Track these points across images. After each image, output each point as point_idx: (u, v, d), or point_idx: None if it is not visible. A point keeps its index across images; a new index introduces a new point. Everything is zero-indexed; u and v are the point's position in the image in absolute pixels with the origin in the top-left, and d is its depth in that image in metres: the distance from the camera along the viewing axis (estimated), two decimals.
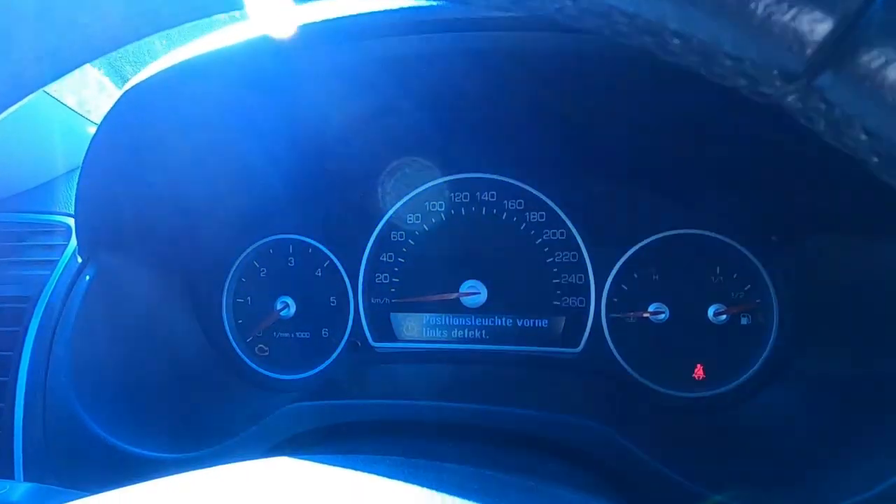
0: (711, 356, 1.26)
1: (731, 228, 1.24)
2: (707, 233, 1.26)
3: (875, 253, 1.03)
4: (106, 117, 1.02)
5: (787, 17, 0.37)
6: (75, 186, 1.10)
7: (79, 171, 1.09)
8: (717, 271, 1.26)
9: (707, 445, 1.16)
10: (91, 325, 1.19)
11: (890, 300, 1.00)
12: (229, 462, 1.06)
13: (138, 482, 1.08)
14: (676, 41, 0.40)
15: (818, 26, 0.33)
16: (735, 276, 1.25)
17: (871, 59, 0.32)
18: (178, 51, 0.99)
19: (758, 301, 1.24)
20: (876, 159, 0.34)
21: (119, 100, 1.00)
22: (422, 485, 0.60)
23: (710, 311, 1.25)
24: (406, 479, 0.62)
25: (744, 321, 1.25)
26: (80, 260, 1.21)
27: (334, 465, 0.69)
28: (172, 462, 1.09)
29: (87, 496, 0.64)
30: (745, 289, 1.25)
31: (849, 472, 0.92)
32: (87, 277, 1.20)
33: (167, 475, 1.08)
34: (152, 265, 1.33)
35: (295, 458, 0.74)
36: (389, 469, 0.67)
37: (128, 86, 1.00)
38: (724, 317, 1.24)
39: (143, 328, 1.30)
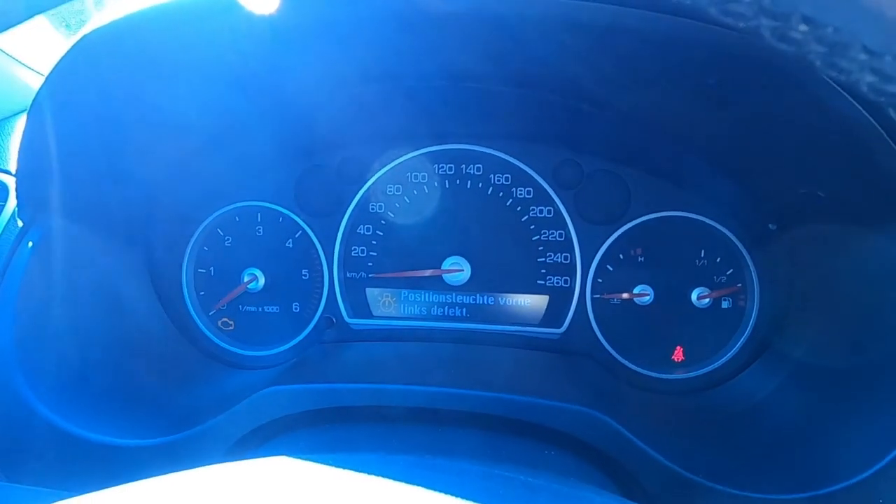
0: (692, 339, 1.27)
1: (718, 213, 1.24)
2: (695, 216, 1.25)
3: (858, 241, 1.05)
4: (57, 66, 0.89)
5: None
6: (20, 139, 0.96)
7: (22, 122, 0.95)
8: (702, 255, 1.26)
9: (686, 426, 1.18)
10: (36, 297, 1.06)
11: (870, 287, 1.02)
12: (197, 450, 1.01)
13: (96, 472, 0.99)
14: (803, 28, 0.36)
15: None
16: (719, 259, 1.26)
17: None
18: None
19: (739, 285, 1.25)
20: None
21: (73, 47, 0.87)
22: (427, 486, 0.56)
23: (694, 295, 1.25)
24: (413, 481, 0.58)
25: (724, 304, 1.27)
26: (20, 223, 1.07)
27: (334, 465, 0.64)
28: (135, 449, 1.00)
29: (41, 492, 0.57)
30: (728, 273, 1.26)
31: (828, 459, 0.95)
32: (30, 244, 1.07)
33: (129, 464, 1.00)
34: (104, 230, 1.20)
35: (294, 457, 0.69)
36: (395, 469, 0.63)
37: (83, 31, 0.86)
38: (707, 300, 1.25)
39: (95, 300, 1.17)
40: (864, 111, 0.72)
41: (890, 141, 0.74)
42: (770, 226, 1.14)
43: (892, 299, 0.94)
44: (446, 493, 0.55)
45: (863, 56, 0.34)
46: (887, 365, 0.93)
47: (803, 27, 0.34)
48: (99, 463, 1.00)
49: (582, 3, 0.74)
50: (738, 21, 0.36)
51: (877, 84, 0.36)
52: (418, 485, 0.57)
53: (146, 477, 0.60)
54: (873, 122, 0.72)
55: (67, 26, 1.46)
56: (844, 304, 1.07)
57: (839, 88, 0.70)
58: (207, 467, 0.65)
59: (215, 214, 1.35)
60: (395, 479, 0.58)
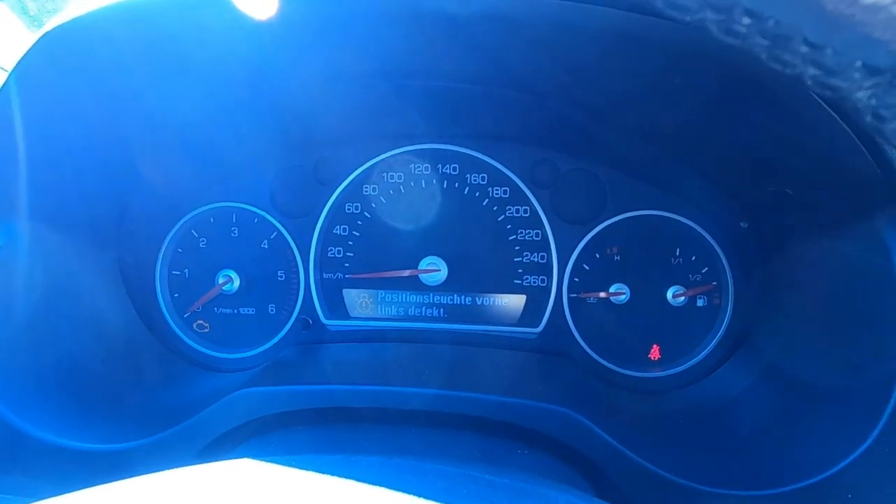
0: (668, 337, 1.28)
1: (693, 211, 1.24)
2: (670, 215, 1.26)
3: (829, 239, 1.06)
4: (22, 61, 0.87)
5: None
6: None
7: None
8: (678, 253, 1.27)
9: (661, 424, 1.18)
10: (3, 302, 1.04)
11: (841, 285, 1.03)
12: (168, 453, 0.99)
13: (68, 477, 0.97)
14: (746, 20, 0.36)
15: None
16: (694, 258, 1.27)
17: None
18: None
19: (714, 283, 1.26)
20: None
21: (41, 40, 0.85)
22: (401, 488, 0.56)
23: (670, 293, 1.26)
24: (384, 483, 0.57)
25: (700, 303, 1.27)
26: None
27: (298, 467, 0.63)
28: (106, 454, 0.98)
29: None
30: (703, 271, 1.27)
31: (800, 455, 0.95)
32: None
33: (100, 468, 0.99)
34: (74, 231, 1.18)
35: (257, 459, 0.68)
36: (367, 471, 0.63)
37: (50, 26, 0.85)
38: (682, 299, 1.26)
39: (66, 303, 1.15)
40: (827, 107, 0.72)
41: (854, 136, 0.75)
42: (741, 224, 1.15)
43: (863, 297, 0.95)
44: (409, 493, 0.54)
45: (804, 49, 0.34)
46: (859, 362, 0.94)
47: (746, 20, 0.34)
48: (71, 468, 0.98)
49: (545, 2, 0.74)
50: (683, 14, 0.36)
51: (820, 77, 0.36)
52: (381, 486, 0.56)
53: (116, 481, 0.59)
54: (836, 117, 0.73)
55: (32, 19, 1.43)
56: (817, 301, 1.08)
57: (803, 87, 0.70)
58: (169, 471, 0.65)
59: (190, 215, 1.34)
60: (359, 480, 0.58)
